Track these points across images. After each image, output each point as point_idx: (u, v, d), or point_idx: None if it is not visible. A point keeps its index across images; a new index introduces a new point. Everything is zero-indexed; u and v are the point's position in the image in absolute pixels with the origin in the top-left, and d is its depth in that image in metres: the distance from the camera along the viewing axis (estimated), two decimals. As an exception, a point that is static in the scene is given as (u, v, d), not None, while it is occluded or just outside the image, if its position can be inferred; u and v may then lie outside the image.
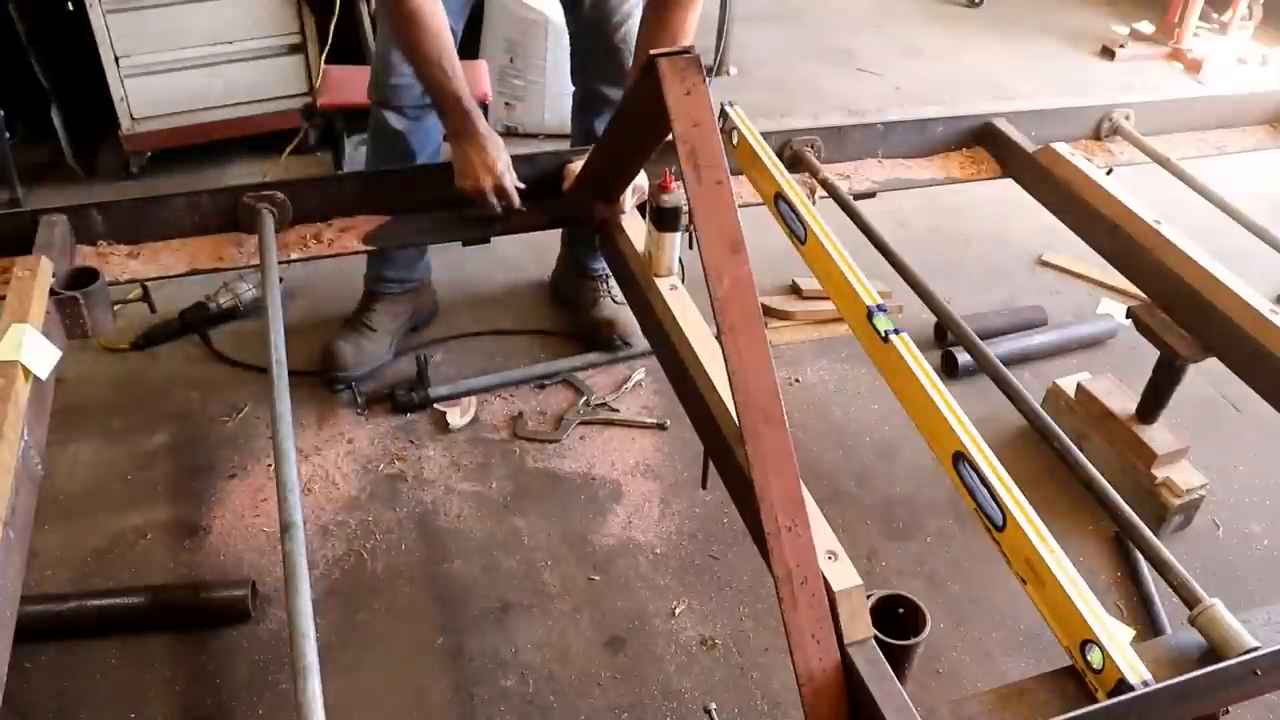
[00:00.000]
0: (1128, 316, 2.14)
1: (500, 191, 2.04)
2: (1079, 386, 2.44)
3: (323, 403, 2.51)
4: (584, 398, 2.56)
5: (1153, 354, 2.16)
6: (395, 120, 2.38)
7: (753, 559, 1.79)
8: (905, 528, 2.27)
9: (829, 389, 2.67)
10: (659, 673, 1.94)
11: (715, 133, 1.26)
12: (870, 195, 2.28)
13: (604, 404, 2.55)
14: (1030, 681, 1.25)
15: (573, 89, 2.65)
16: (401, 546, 2.16)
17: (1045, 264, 3.25)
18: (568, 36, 2.59)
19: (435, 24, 1.97)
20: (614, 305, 2.76)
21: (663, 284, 1.79)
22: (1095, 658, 1.18)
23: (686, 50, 1.26)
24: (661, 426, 2.49)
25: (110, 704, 1.82)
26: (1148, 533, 1.43)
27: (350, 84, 3.12)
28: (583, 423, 2.49)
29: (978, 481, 1.36)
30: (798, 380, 2.70)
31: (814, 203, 2.13)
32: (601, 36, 2.47)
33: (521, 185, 2.08)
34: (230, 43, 3.33)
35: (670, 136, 1.53)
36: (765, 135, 2.01)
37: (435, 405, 2.50)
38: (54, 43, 3.18)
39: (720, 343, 1.18)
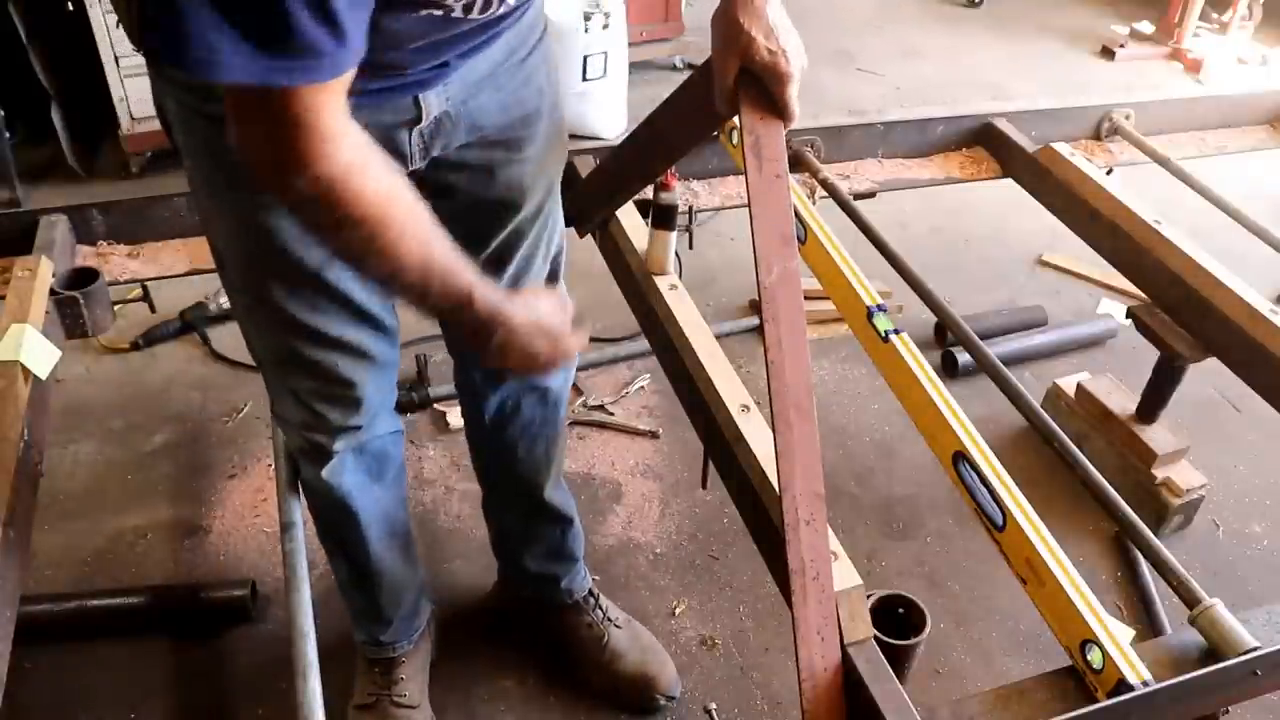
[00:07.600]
0: (1128, 316, 2.14)
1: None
2: (1079, 386, 2.44)
3: (323, 403, 2.51)
4: (581, 398, 2.56)
5: (1153, 354, 2.16)
6: None
7: (753, 559, 1.79)
8: (905, 528, 2.27)
9: (829, 389, 2.67)
10: (659, 673, 1.93)
11: (780, 129, 1.29)
12: (870, 195, 2.28)
13: (600, 406, 2.55)
14: (1030, 681, 1.24)
15: None
16: (401, 546, 2.16)
17: (1045, 264, 3.25)
18: (568, 37, 2.52)
19: (413, 214, 1.00)
20: (628, 638, 1.86)
21: (662, 283, 1.78)
22: (1095, 658, 1.18)
23: None
24: (654, 435, 2.48)
25: (110, 704, 1.82)
26: (1148, 533, 1.43)
27: (350, 84, 3.11)
28: (575, 423, 2.49)
29: (978, 481, 1.36)
30: (798, 380, 2.69)
31: (814, 203, 2.13)
32: None
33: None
34: (230, 43, 3.33)
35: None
36: (765, 135, 2.00)
37: (435, 405, 2.50)
38: (54, 43, 3.17)
39: (762, 332, 1.18)
